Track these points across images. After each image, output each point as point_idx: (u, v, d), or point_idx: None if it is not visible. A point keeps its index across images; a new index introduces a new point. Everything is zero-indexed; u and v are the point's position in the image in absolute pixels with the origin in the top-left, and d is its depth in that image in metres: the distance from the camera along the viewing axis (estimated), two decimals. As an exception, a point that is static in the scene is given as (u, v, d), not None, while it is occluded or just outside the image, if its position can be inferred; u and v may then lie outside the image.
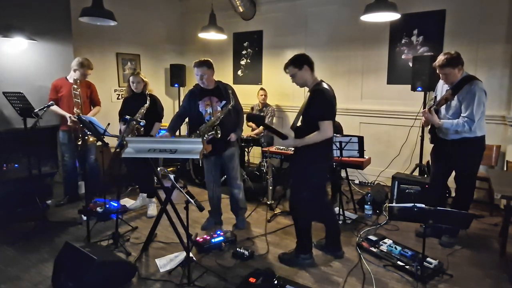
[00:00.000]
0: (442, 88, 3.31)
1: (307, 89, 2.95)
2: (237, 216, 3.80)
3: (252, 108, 5.85)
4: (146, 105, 3.69)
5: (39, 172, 3.84)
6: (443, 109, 3.22)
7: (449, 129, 3.12)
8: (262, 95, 5.71)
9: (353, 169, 4.17)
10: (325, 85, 2.82)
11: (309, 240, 3.02)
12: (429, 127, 3.41)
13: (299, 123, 2.89)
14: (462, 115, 3.06)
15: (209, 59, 3.45)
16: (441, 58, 3.08)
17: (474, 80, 3.05)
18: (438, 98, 3.25)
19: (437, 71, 3.16)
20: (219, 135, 3.23)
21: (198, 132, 3.30)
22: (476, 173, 3.31)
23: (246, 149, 5.78)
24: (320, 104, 2.73)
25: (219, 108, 3.36)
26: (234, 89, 3.53)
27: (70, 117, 3.93)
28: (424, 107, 4.03)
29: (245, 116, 3.49)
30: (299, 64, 2.83)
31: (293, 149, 2.97)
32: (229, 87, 3.47)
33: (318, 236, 3.31)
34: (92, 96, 4.27)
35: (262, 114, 5.75)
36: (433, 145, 3.43)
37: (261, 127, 5.45)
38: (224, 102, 3.40)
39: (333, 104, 2.82)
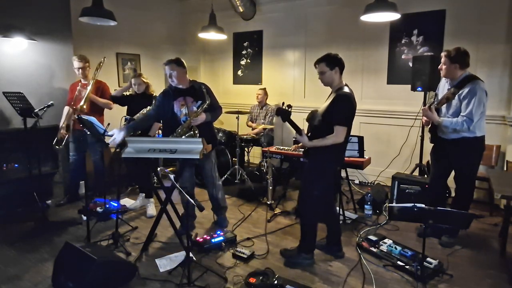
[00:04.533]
0: (444, 87, 3.32)
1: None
2: (219, 215, 3.76)
3: (250, 114, 5.86)
4: (150, 107, 3.68)
5: (39, 172, 3.84)
6: (444, 108, 3.23)
7: (448, 127, 3.12)
8: (258, 95, 5.71)
9: (353, 169, 4.16)
10: (348, 90, 2.82)
11: (313, 240, 3.03)
12: (429, 126, 3.42)
13: (316, 122, 2.90)
14: (461, 114, 3.06)
15: (179, 58, 3.33)
16: (450, 49, 3.14)
17: (476, 80, 3.06)
18: (440, 97, 3.26)
19: None
20: (197, 135, 3.16)
21: (175, 134, 3.21)
22: (476, 173, 3.32)
23: (246, 149, 5.79)
24: (343, 110, 2.75)
25: (195, 109, 3.24)
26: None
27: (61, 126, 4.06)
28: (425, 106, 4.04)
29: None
30: (332, 64, 2.82)
31: (302, 149, 2.97)
32: (204, 86, 3.33)
33: (318, 236, 3.30)
34: (102, 94, 4.21)
35: (261, 113, 5.76)
36: (433, 145, 3.44)
37: (261, 127, 5.45)
38: (200, 102, 3.29)
39: (354, 111, 2.84)
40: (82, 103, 3.87)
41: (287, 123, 2.84)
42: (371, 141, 4.84)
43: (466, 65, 3.12)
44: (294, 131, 2.87)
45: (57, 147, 3.99)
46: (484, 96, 3.04)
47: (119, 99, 4.12)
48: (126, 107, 4.12)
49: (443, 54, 3.17)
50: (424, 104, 4.35)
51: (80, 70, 4.04)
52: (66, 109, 4.14)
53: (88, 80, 4.04)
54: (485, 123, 3.17)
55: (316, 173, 2.91)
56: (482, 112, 3.05)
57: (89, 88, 3.95)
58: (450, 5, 4.52)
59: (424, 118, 3.36)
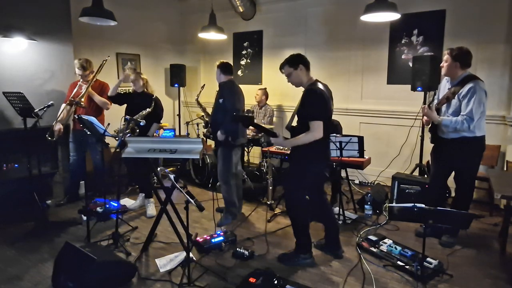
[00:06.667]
0: (444, 87, 3.32)
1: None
2: (223, 212, 3.87)
3: (252, 111, 5.85)
4: (149, 109, 3.68)
5: (39, 172, 3.84)
6: (444, 107, 3.24)
7: (448, 126, 3.12)
8: (257, 95, 5.71)
9: (353, 169, 4.17)
10: (320, 85, 2.81)
11: (307, 239, 3.02)
12: (429, 126, 3.42)
13: (294, 123, 2.88)
14: (461, 113, 3.06)
15: (224, 61, 3.91)
16: (454, 47, 3.15)
17: (475, 80, 3.07)
18: (440, 97, 3.26)
19: None
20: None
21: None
22: (476, 173, 3.32)
23: (246, 149, 5.78)
24: (312, 104, 2.72)
25: None
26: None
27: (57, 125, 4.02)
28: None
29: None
30: (295, 64, 2.82)
31: (289, 148, 2.97)
32: (222, 86, 3.78)
33: (318, 236, 3.32)
34: (102, 93, 4.21)
35: (260, 113, 5.76)
36: (433, 144, 3.44)
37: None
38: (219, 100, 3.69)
39: (327, 104, 2.78)
40: (81, 95, 3.87)
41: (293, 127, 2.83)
42: (371, 141, 4.84)
43: (467, 65, 3.12)
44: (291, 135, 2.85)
45: (49, 138, 3.94)
46: (483, 96, 3.04)
47: (116, 98, 4.06)
48: (125, 107, 4.11)
49: (445, 51, 3.18)
50: (424, 104, 4.35)
51: (80, 76, 4.05)
52: (63, 106, 4.10)
53: (90, 80, 4.04)
54: (485, 123, 3.17)
55: (297, 174, 2.86)
56: (482, 111, 3.05)
57: (85, 86, 3.96)
58: (450, 5, 4.52)
59: (425, 117, 3.36)
